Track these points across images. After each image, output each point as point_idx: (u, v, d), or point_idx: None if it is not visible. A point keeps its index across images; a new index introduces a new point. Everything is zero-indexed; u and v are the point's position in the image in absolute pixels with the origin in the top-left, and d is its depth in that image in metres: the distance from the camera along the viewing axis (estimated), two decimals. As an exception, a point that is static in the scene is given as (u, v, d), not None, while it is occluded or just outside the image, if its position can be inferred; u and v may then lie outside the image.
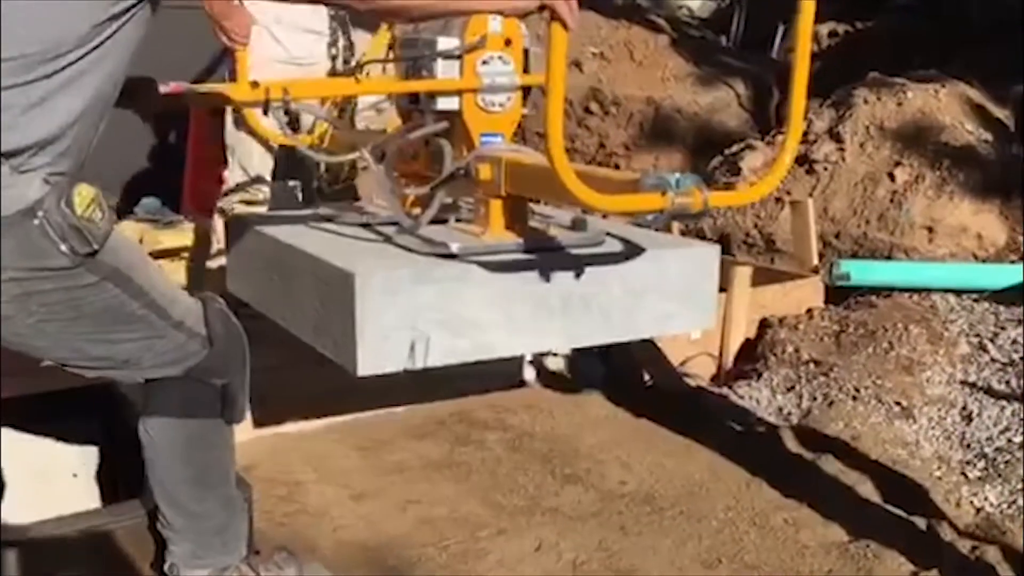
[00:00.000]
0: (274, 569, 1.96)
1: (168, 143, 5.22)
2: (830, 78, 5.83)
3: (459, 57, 2.42)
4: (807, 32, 2.02)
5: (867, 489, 2.63)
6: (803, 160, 4.91)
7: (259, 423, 2.96)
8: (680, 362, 3.78)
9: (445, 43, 2.44)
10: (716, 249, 2.51)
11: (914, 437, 3.05)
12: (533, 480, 2.72)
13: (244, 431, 2.98)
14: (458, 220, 2.53)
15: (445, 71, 2.42)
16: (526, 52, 2.47)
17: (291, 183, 3.78)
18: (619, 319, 2.36)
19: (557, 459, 2.85)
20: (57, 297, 1.52)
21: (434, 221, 2.46)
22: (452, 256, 2.23)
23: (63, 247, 1.48)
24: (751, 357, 3.87)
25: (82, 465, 2.58)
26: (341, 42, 3.36)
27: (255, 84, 2.55)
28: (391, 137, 2.60)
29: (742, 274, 3.90)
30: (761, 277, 4.18)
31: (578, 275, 2.29)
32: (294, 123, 3.20)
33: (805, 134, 5.10)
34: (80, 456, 2.56)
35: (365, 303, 2.06)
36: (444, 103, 2.41)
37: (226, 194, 3.60)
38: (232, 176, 3.57)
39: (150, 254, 3.81)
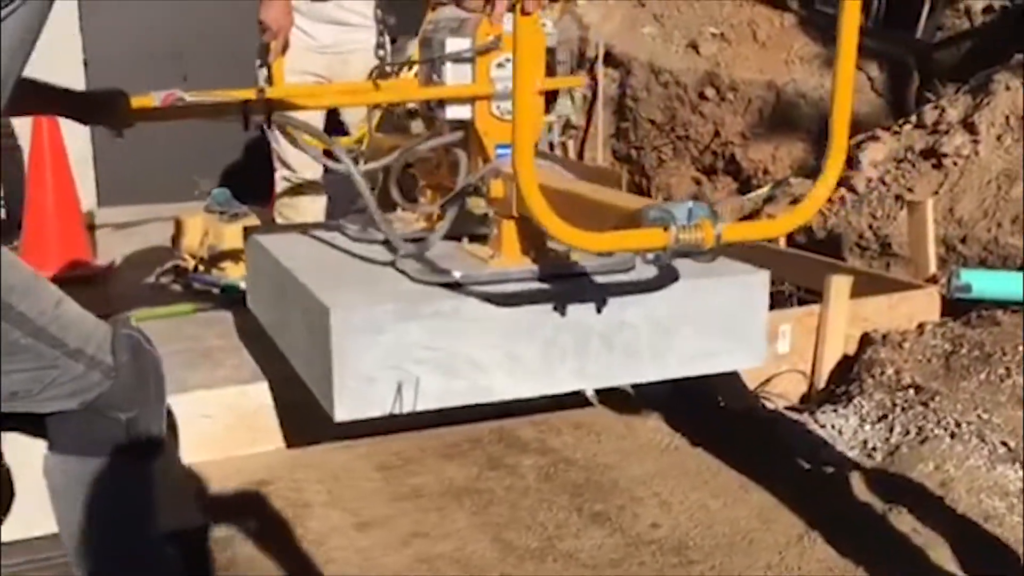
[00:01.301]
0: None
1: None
2: (980, 61, 5.23)
3: (470, 60, 2.18)
4: (851, 44, 1.66)
5: (943, 554, 2.22)
6: (930, 153, 4.40)
7: (291, 437, 2.83)
8: (764, 380, 3.42)
9: (455, 45, 2.20)
10: (765, 276, 2.17)
11: (1018, 487, 2.59)
12: (555, 517, 2.45)
13: (271, 443, 2.88)
14: (471, 236, 2.28)
15: (456, 76, 2.19)
16: (550, 52, 2.20)
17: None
18: (647, 358, 2.07)
19: (590, 492, 2.57)
20: None
21: (452, 236, 2.23)
22: (453, 284, 1.99)
23: None
24: (846, 377, 3.45)
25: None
26: (387, 45, 3.20)
27: (260, 91, 2.39)
28: (414, 145, 2.38)
29: (839, 283, 3.48)
30: (867, 286, 3.73)
31: (599, 308, 2.01)
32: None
33: (936, 123, 4.57)
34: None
35: (343, 342, 1.86)
36: (454, 111, 2.18)
37: (279, 197, 3.50)
38: (278, 176, 3.47)
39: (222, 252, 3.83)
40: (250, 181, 4.67)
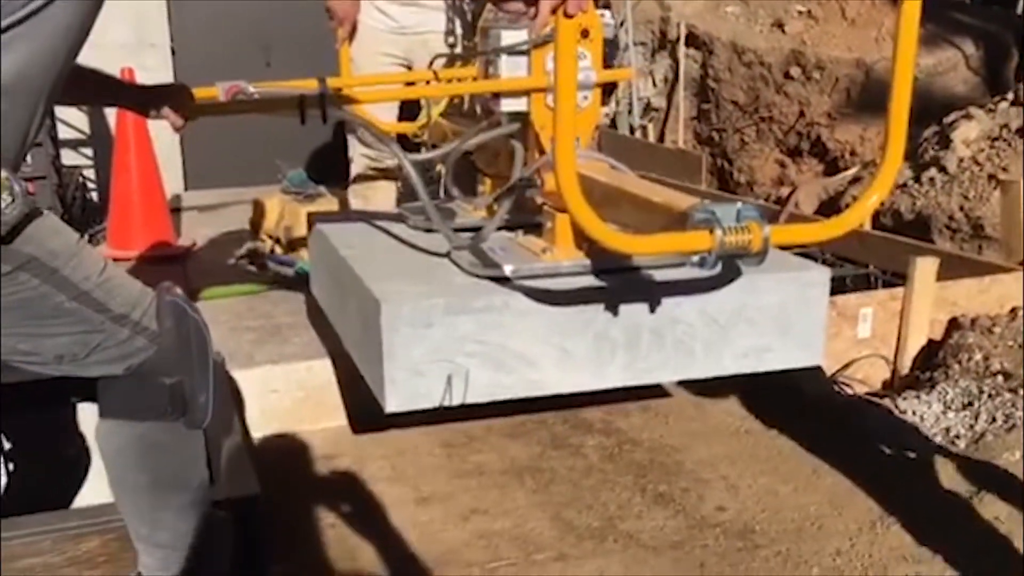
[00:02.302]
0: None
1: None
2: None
3: (526, 52, 2.15)
4: (912, 33, 1.57)
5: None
6: (1027, 130, 4.18)
7: (353, 416, 2.84)
8: (844, 364, 3.30)
9: (510, 37, 2.16)
10: (826, 273, 2.08)
11: (1112, 478, 2.44)
12: (618, 497, 2.40)
13: (337, 419, 2.89)
14: (526, 228, 2.25)
15: (511, 68, 2.16)
16: (608, 43, 2.14)
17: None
18: (699, 354, 2.00)
19: (655, 473, 2.51)
20: None
21: (509, 226, 2.20)
22: (505, 279, 1.97)
23: None
24: (932, 363, 3.30)
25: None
26: (458, 29, 3.17)
27: (321, 83, 2.40)
28: (474, 134, 2.35)
29: (925, 265, 3.33)
30: (955, 268, 3.56)
31: (651, 303, 1.95)
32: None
33: (1033, 98, 4.34)
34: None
35: (393, 335, 1.85)
36: (509, 104, 2.14)
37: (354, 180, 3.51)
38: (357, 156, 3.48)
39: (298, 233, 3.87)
40: (330, 163, 4.73)
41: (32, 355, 1.50)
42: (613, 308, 1.94)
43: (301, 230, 3.87)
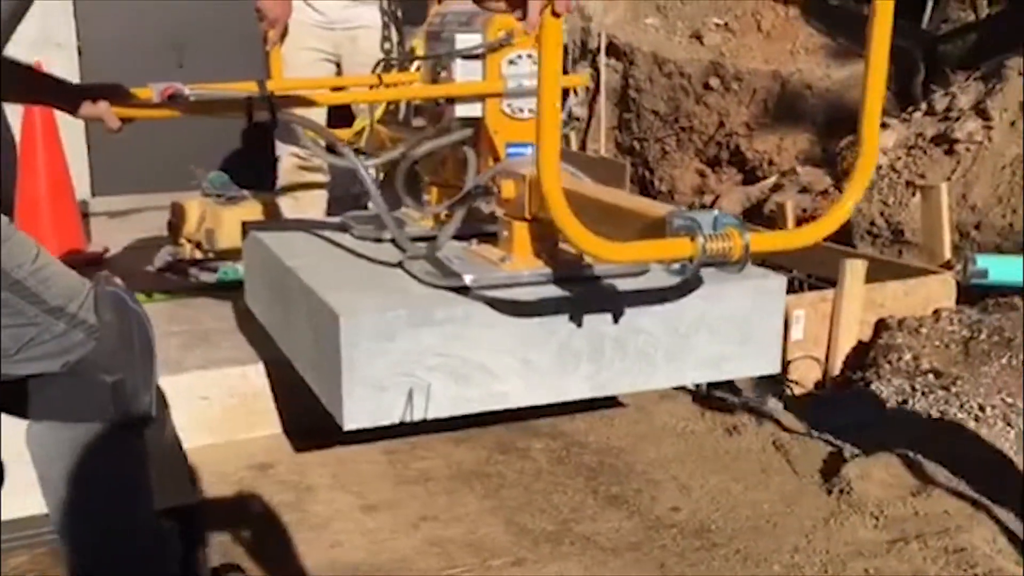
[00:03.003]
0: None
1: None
2: (985, 53, 5.16)
3: (481, 56, 2.10)
4: (885, 32, 1.57)
5: (980, 534, 2.13)
6: (942, 139, 4.32)
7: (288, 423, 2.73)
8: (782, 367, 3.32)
9: (465, 40, 2.11)
10: (782, 281, 2.09)
11: (1048, 470, 2.51)
12: (571, 500, 2.35)
13: (271, 427, 2.77)
14: (479, 237, 2.19)
15: (466, 73, 2.11)
16: (565, 49, 2.11)
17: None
18: (661, 363, 1.99)
19: (605, 476, 2.47)
20: None
21: (459, 236, 2.13)
22: (464, 288, 1.90)
23: None
24: (862, 363, 3.36)
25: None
26: (393, 36, 3.10)
27: (261, 85, 2.30)
28: (419, 141, 2.29)
29: (855, 267, 3.40)
30: (881, 271, 3.64)
31: (613, 313, 1.93)
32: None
33: (946, 110, 4.50)
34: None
35: (352, 350, 1.77)
36: (464, 109, 2.10)
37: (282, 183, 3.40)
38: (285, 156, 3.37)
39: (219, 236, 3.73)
40: (248, 167, 4.57)
41: None
42: (576, 318, 1.91)
43: (223, 233, 3.73)
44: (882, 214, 4.22)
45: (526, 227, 1.98)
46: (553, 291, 1.93)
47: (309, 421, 2.72)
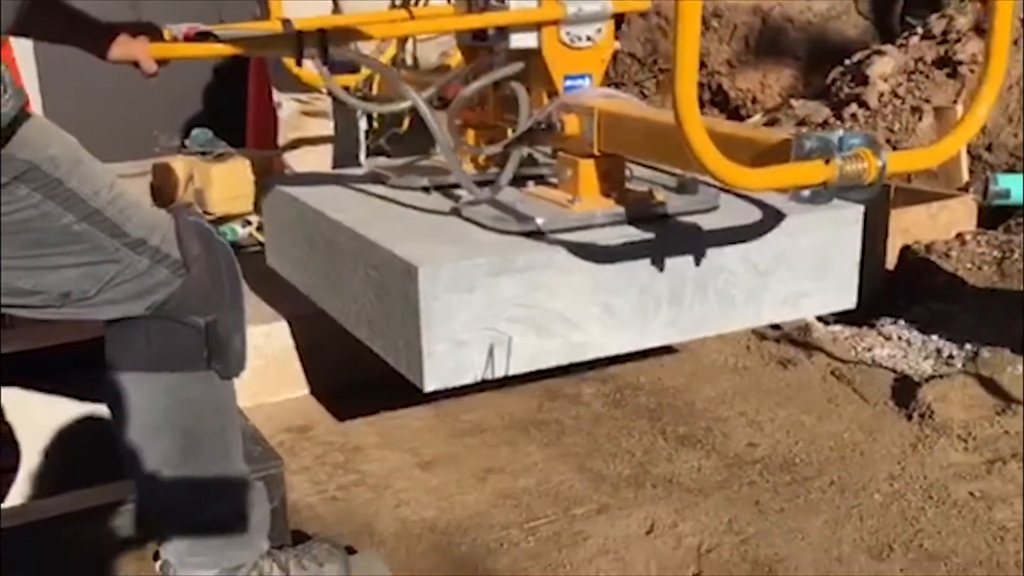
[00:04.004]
0: (311, 565, 1.51)
1: (227, 76, 4.85)
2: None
3: None
4: None
5: (1072, 450, 2.04)
6: (944, 62, 4.23)
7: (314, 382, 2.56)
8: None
9: None
10: (859, 210, 1.95)
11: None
12: (640, 443, 2.21)
13: (300, 388, 2.59)
14: (535, 179, 2.03)
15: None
16: None
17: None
18: (741, 303, 1.88)
19: (668, 416, 2.34)
20: None
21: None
22: (536, 233, 1.74)
23: None
24: (892, 291, 3.27)
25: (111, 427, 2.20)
26: None
27: (287, 23, 2.06)
28: (451, 79, 2.10)
29: (879, 193, 3.29)
30: (901, 197, 3.54)
31: (692, 252, 1.79)
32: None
33: (944, 33, 4.41)
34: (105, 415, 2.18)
35: (432, 303, 1.61)
36: (519, 39, 1.90)
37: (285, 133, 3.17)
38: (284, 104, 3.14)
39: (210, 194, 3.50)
40: (216, 125, 4.33)
41: (34, 295, 1.18)
42: (657, 261, 1.77)
43: (215, 192, 3.52)
44: (888, 141, 4.12)
45: (592, 164, 1.84)
46: (629, 232, 1.79)
47: (338, 379, 2.57)
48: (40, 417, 2.11)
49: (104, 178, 1.22)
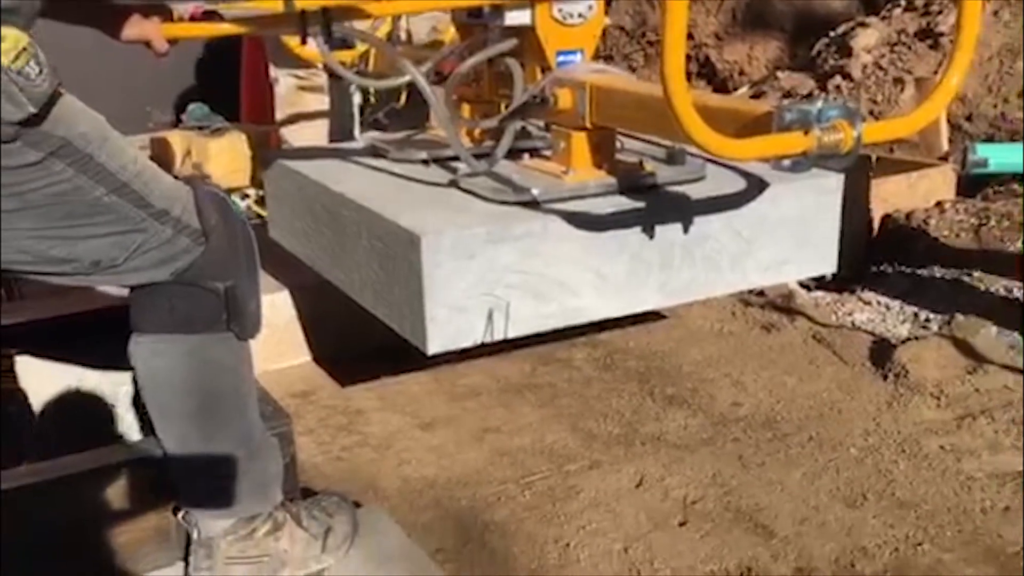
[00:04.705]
0: (321, 516, 1.61)
1: (219, 50, 4.89)
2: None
3: None
4: None
5: (1042, 407, 2.15)
6: (926, 34, 4.32)
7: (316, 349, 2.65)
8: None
9: None
10: (839, 179, 2.04)
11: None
12: (629, 403, 2.32)
13: (302, 355, 2.69)
14: (529, 152, 2.11)
15: None
16: None
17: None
18: (726, 269, 1.98)
19: (656, 378, 2.44)
20: None
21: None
22: (531, 203, 1.83)
23: None
24: (872, 258, 3.37)
25: (120, 394, 2.29)
26: None
27: (289, 2, 2.13)
28: (447, 55, 2.17)
29: (859, 162, 3.38)
30: (882, 167, 3.64)
31: (680, 220, 1.88)
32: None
33: (927, 4, 4.49)
34: (115, 383, 2.27)
35: (434, 271, 1.71)
36: (514, 17, 1.98)
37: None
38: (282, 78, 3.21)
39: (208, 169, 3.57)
40: (211, 100, 4.38)
41: (67, 263, 1.27)
42: (648, 229, 1.86)
43: (212, 166, 3.58)
44: (871, 112, 4.22)
45: (584, 137, 1.93)
46: (620, 202, 1.89)
47: (339, 347, 2.66)
48: (50, 383, 2.20)
49: (129, 152, 1.30)
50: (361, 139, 2.82)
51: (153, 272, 1.34)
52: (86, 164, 1.22)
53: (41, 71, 1.14)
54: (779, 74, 4.93)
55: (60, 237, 1.24)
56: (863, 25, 4.64)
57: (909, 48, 4.32)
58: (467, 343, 1.80)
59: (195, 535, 1.48)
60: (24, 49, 1.13)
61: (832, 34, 4.94)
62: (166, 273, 1.34)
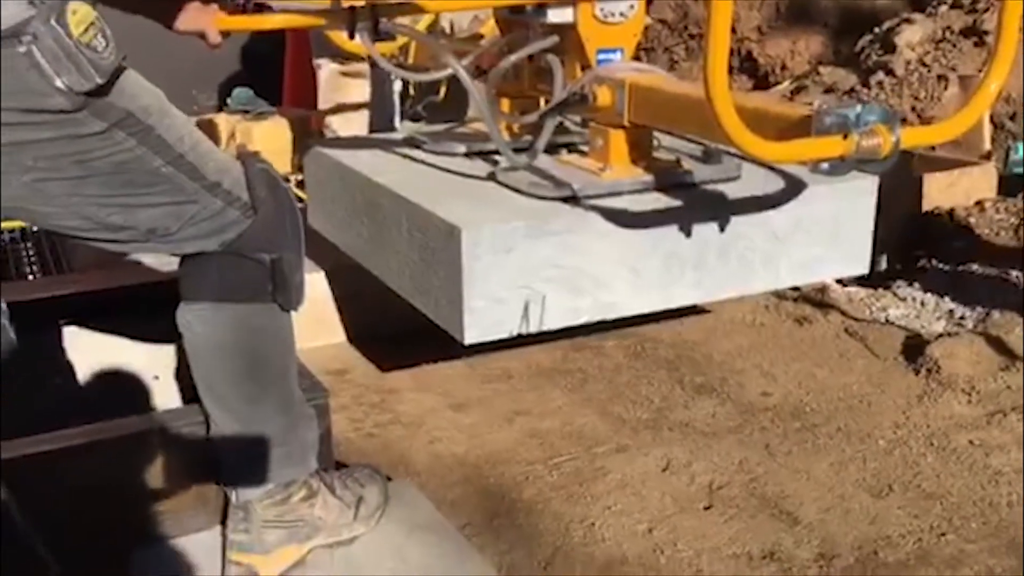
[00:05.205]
0: (354, 486, 1.66)
1: (264, 36, 4.96)
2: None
3: None
4: None
5: (1072, 405, 2.15)
6: (971, 32, 4.27)
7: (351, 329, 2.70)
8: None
9: None
10: (874, 181, 2.04)
11: (1123, 344, 2.53)
12: (659, 390, 2.34)
13: (337, 335, 2.74)
14: (567, 147, 2.14)
15: None
16: None
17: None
18: (759, 267, 2.01)
19: (686, 367, 2.47)
20: (58, 149, 1.21)
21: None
22: (569, 199, 1.87)
23: (59, 82, 1.16)
24: (912, 254, 3.36)
25: (161, 366, 2.36)
26: None
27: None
28: (487, 50, 2.20)
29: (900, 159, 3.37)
30: (922, 164, 3.62)
31: (716, 219, 1.91)
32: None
33: (974, 2, 4.44)
34: (156, 357, 2.33)
35: (473, 263, 1.75)
36: (556, 15, 2.00)
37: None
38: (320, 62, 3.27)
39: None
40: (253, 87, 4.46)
41: (124, 230, 1.33)
42: (684, 227, 1.89)
43: (255, 149, 3.65)
44: (914, 109, 4.19)
45: (623, 134, 1.96)
46: (656, 199, 1.92)
47: (373, 329, 2.71)
48: (95, 355, 2.27)
49: (186, 126, 1.36)
50: (400, 129, 2.87)
51: (203, 242, 1.39)
52: (146, 135, 1.27)
53: (107, 44, 1.20)
54: (821, 69, 4.90)
55: (120, 205, 1.29)
56: (908, 21, 4.60)
57: (954, 45, 4.28)
58: (503, 334, 1.84)
59: (233, 499, 1.54)
60: (92, 23, 1.18)
61: (877, 30, 4.90)
62: (216, 243, 1.39)
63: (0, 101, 1.15)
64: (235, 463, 1.52)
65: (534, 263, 1.80)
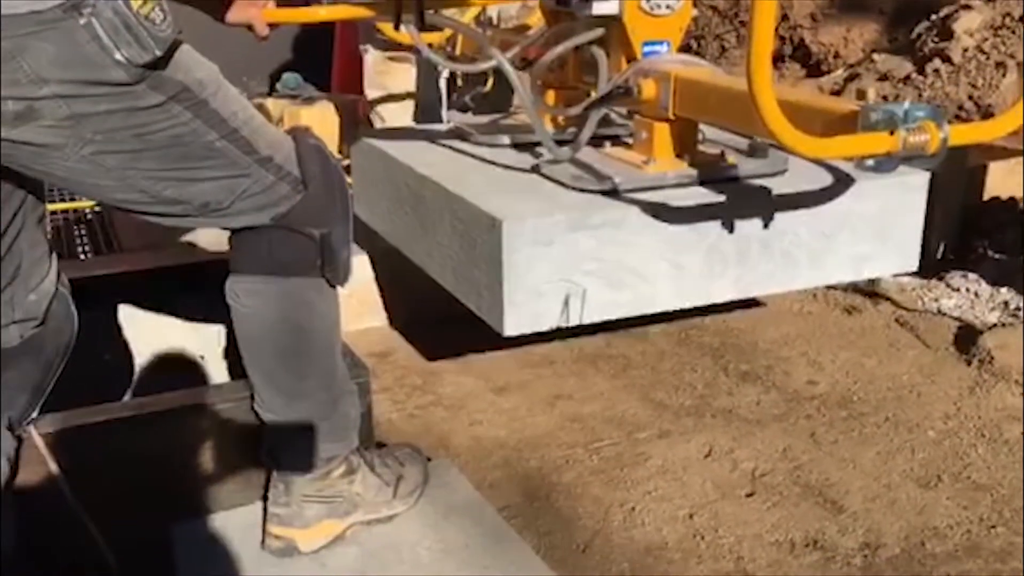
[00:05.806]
0: (394, 465, 1.66)
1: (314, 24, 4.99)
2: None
3: None
4: None
5: None
6: (1031, 17, 4.16)
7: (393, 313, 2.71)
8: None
9: None
10: (925, 177, 1.99)
11: None
12: (702, 377, 2.32)
13: (377, 319, 2.75)
14: (610, 140, 2.12)
15: None
16: None
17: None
18: (804, 264, 1.96)
19: (731, 354, 2.43)
20: (116, 122, 1.22)
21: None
22: (612, 192, 1.85)
23: (118, 55, 1.17)
24: (965, 244, 3.28)
25: (209, 347, 2.39)
26: None
27: None
28: (532, 42, 2.19)
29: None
30: (983, 153, 3.53)
31: (760, 214, 1.88)
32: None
33: (1034, -14, 4.32)
34: (204, 336, 2.36)
35: (514, 255, 1.74)
36: (601, 6, 1.98)
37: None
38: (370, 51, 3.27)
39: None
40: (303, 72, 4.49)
41: (178, 203, 1.34)
42: (727, 222, 1.86)
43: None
44: (971, 97, 4.09)
45: (667, 128, 1.93)
46: (700, 193, 1.89)
47: (416, 313, 2.72)
48: (144, 332, 2.30)
49: (240, 101, 1.36)
50: (446, 118, 2.86)
51: (255, 216, 1.40)
52: (202, 109, 1.28)
53: (165, 17, 1.21)
54: (876, 57, 4.81)
55: (175, 179, 1.30)
56: (967, 8, 4.49)
57: (1013, 32, 4.17)
58: (543, 327, 1.83)
59: (274, 473, 1.55)
60: None
61: (934, 17, 4.80)
62: (266, 218, 1.40)
63: (60, 73, 1.16)
64: (278, 437, 1.53)
65: (575, 256, 1.79)
